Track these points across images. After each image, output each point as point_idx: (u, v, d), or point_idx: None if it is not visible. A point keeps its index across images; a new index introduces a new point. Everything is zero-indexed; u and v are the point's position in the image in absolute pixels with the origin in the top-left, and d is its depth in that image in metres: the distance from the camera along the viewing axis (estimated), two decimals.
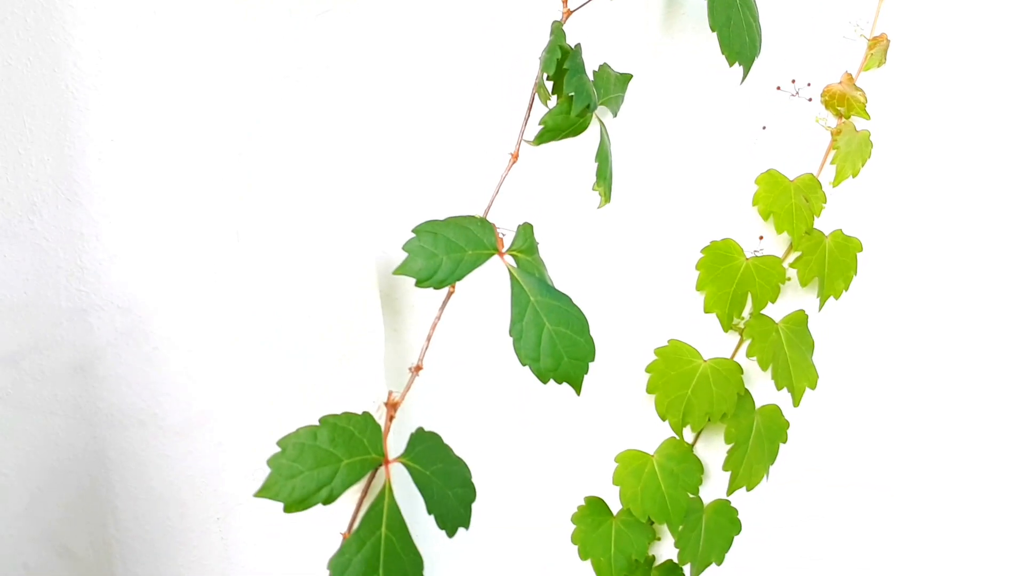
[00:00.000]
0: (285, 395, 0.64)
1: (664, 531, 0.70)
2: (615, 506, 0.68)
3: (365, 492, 0.52)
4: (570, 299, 0.54)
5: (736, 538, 0.69)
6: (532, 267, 0.55)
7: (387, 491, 0.49)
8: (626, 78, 0.62)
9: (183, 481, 0.64)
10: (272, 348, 0.62)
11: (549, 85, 0.55)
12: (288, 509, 0.46)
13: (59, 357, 0.62)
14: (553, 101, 0.55)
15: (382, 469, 0.51)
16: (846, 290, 0.65)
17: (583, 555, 0.67)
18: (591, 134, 0.57)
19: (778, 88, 0.64)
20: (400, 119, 0.62)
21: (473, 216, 0.54)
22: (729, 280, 0.64)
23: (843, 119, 0.64)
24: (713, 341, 0.67)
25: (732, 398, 0.64)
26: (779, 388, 0.63)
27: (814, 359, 0.66)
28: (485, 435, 0.61)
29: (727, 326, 0.64)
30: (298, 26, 0.61)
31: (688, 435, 0.67)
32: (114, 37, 0.56)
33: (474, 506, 0.54)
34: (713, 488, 0.69)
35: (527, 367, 0.53)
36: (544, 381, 0.53)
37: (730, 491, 0.66)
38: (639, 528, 0.67)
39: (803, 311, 0.66)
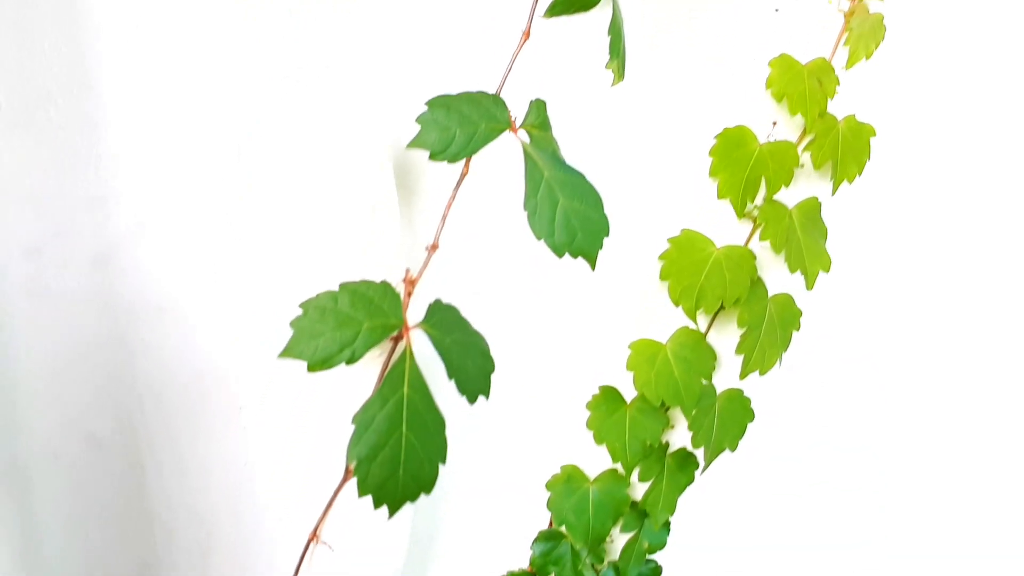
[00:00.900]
0: (304, 286, 0.65)
1: (678, 420, 0.71)
2: (628, 396, 0.69)
3: (387, 363, 0.53)
4: (583, 175, 0.54)
5: (750, 426, 0.70)
6: (545, 143, 0.55)
7: (408, 354, 0.50)
8: None
9: (206, 371, 0.65)
10: (290, 238, 0.63)
11: None
12: (312, 368, 0.47)
13: (78, 247, 0.62)
14: None
15: (401, 342, 0.52)
16: (859, 175, 0.65)
17: (598, 440, 0.68)
18: (603, 9, 0.56)
19: None
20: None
21: (485, 92, 0.54)
22: (743, 165, 0.64)
23: (856, 0, 0.63)
24: (726, 231, 0.67)
25: (745, 283, 0.64)
26: (792, 271, 0.64)
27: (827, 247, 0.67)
28: (500, 314, 0.61)
29: (740, 212, 0.64)
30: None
31: (701, 324, 0.68)
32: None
33: (493, 377, 0.55)
34: (726, 378, 0.70)
35: (542, 242, 0.53)
36: (559, 255, 0.54)
37: (743, 375, 0.66)
38: (653, 414, 0.68)
39: (816, 198, 0.66)
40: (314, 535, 0.58)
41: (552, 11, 0.54)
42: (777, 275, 0.68)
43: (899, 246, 0.70)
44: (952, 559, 0.73)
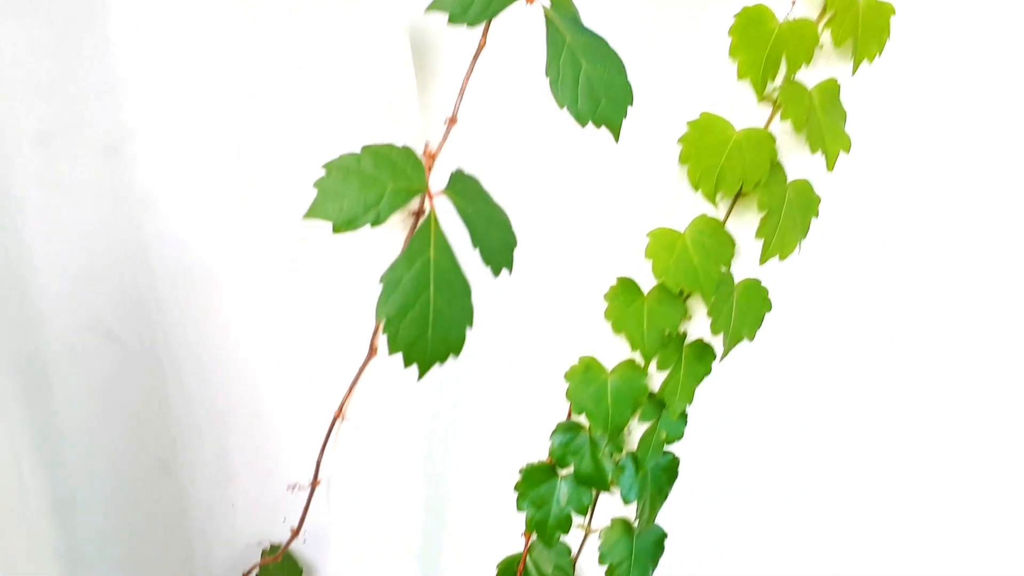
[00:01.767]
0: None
1: (695, 311, 0.71)
2: (646, 288, 0.69)
3: (412, 231, 0.52)
4: (606, 40, 0.53)
5: (767, 316, 0.70)
6: (565, 7, 0.54)
7: (432, 219, 0.49)
8: None
9: (223, 264, 0.65)
10: (308, 119, 0.62)
11: None
12: (337, 230, 0.47)
13: (90, 137, 0.61)
14: None
15: (425, 207, 0.51)
16: (879, 54, 0.64)
17: (616, 330, 0.68)
18: None
19: None
20: None
21: None
22: (762, 44, 0.63)
23: None
24: (745, 115, 0.66)
25: (765, 165, 0.64)
26: (813, 151, 0.63)
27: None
28: (520, 191, 0.61)
29: (761, 93, 0.64)
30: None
31: (720, 211, 0.67)
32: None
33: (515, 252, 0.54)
34: (745, 268, 0.70)
35: (564, 112, 0.52)
36: (583, 124, 0.53)
37: (763, 259, 0.66)
38: (671, 304, 0.68)
39: (835, 79, 0.65)
40: (339, 413, 0.58)
41: None
42: (796, 163, 0.68)
43: (916, 133, 0.70)
44: (966, 435, 0.74)
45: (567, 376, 0.70)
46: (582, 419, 0.71)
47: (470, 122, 0.55)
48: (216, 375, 0.66)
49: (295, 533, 0.66)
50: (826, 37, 0.64)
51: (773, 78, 0.63)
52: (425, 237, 0.48)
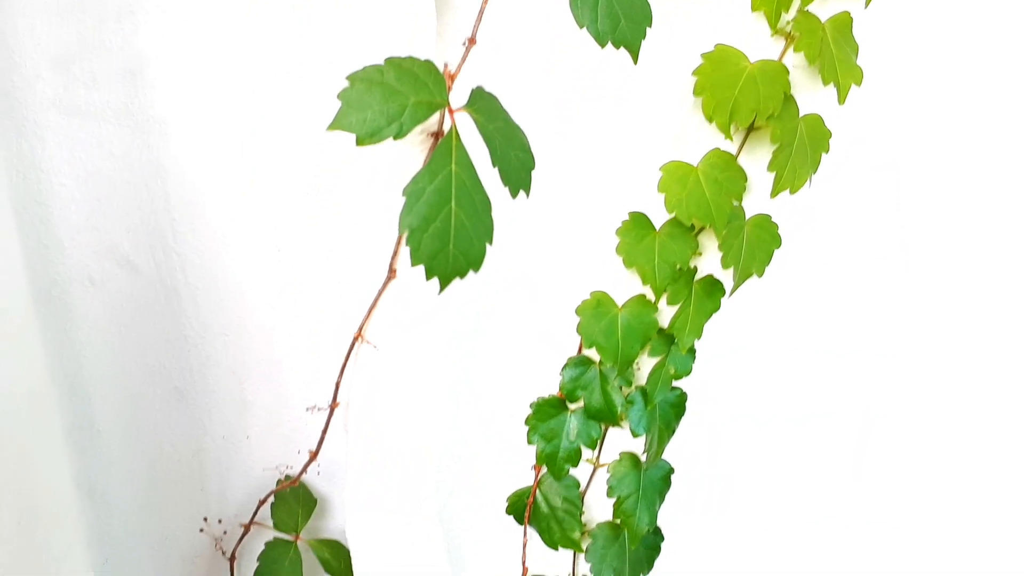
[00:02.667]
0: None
1: (706, 247, 0.72)
2: (657, 223, 0.69)
3: (433, 146, 0.53)
4: None
5: (776, 252, 0.71)
6: None
7: (454, 133, 0.50)
8: None
9: (240, 190, 0.65)
10: (326, 40, 0.62)
11: None
12: (360, 142, 0.47)
13: (108, 61, 0.62)
14: None
15: (445, 132, 0.51)
16: None
17: (628, 264, 0.69)
18: None
19: None
20: None
21: None
22: None
23: None
24: (759, 48, 0.67)
25: (779, 97, 0.64)
26: (826, 83, 0.64)
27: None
28: (534, 121, 0.61)
29: (774, 25, 0.64)
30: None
31: (732, 146, 0.68)
32: None
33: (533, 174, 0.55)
34: (756, 204, 0.70)
35: (584, 31, 0.53)
36: (602, 45, 0.54)
37: (774, 192, 0.67)
38: (682, 239, 0.69)
39: (848, 12, 0.66)
40: (359, 335, 0.59)
41: None
42: (807, 99, 0.68)
43: (926, 66, 0.70)
44: (976, 357, 0.75)
45: (578, 310, 0.71)
46: (592, 353, 0.72)
47: (488, 44, 0.55)
48: (233, 303, 0.67)
49: (312, 456, 0.67)
50: None
51: (787, 10, 0.64)
52: (447, 151, 0.49)
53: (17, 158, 0.62)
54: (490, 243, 0.51)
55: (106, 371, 0.68)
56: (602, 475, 0.77)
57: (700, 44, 0.66)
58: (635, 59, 0.54)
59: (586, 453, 0.75)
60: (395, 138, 0.48)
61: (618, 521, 0.76)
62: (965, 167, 0.71)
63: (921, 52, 0.70)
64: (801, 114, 0.68)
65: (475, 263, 0.50)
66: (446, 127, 0.49)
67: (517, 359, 0.73)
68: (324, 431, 0.65)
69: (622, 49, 0.54)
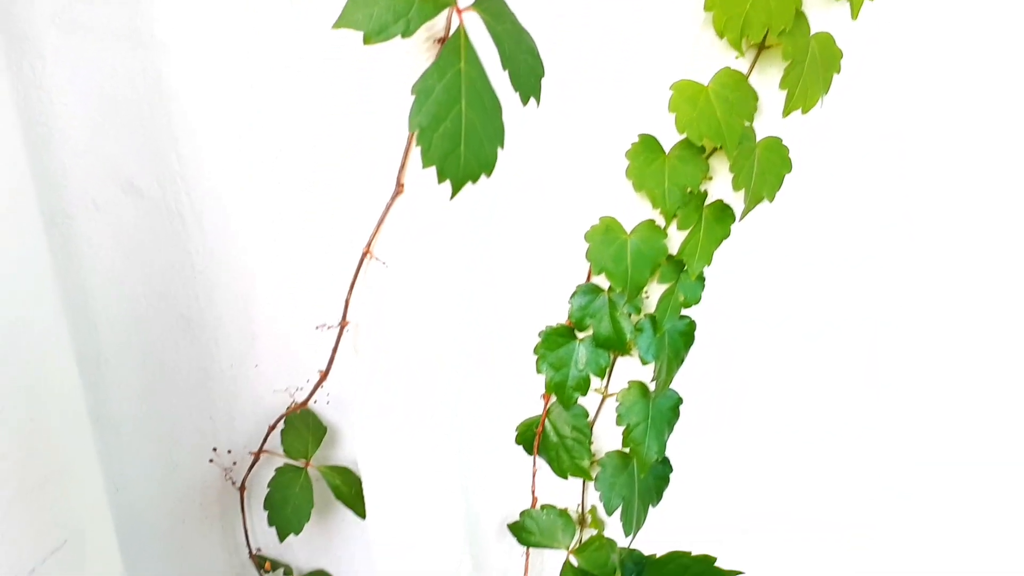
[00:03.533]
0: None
1: (716, 171, 0.71)
2: (667, 145, 0.69)
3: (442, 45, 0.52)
4: None
5: (787, 177, 0.70)
6: None
7: (461, 31, 0.49)
8: None
9: (245, 110, 0.64)
10: None
11: None
12: (367, 40, 0.46)
13: None
14: None
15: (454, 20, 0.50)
16: None
17: (638, 187, 0.68)
18: None
19: None
20: None
21: None
22: None
23: None
24: None
25: (790, 12, 0.63)
26: None
27: None
28: (545, 20, 0.60)
29: None
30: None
31: (743, 64, 0.67)
32: None
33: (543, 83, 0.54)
34: (766, 126, 0.69)
35: None
36: None
37: (786, 111, 0.66)
38: (693, 161, 0.68)
39: None
40: (367, 251, 0.58)
41: None
42: (819, 16, 0.67)
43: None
44: (990, 267, 0.74)
45: (587, 236, 0.70)
46: (601, 281, 0.72)
47: None
48: (239, 227, 0.66)
49: (323, 376, 0.66)
50: None
51: None
52: (455, 49, 0.48)
53: (17, 78, 0.61)
54: (501, 147, 0.50)
55: (112, 299, 0.68)
56: (611, 405, 0.77)
57: None
58: None
59: (595, 382, 0.75)
60: (403, 36, 0.47)
61: (627, 450, 0.76)
62: (980, 84, 0.70)
63: None
64: (812, 32, 0.67)
65: (487, 167, 0.49)
66: (453, 31, 0.48)
67: (525, 288, 0.72)
68: (334, 351, 0.65)
69: None
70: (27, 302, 0.60)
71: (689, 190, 0.68)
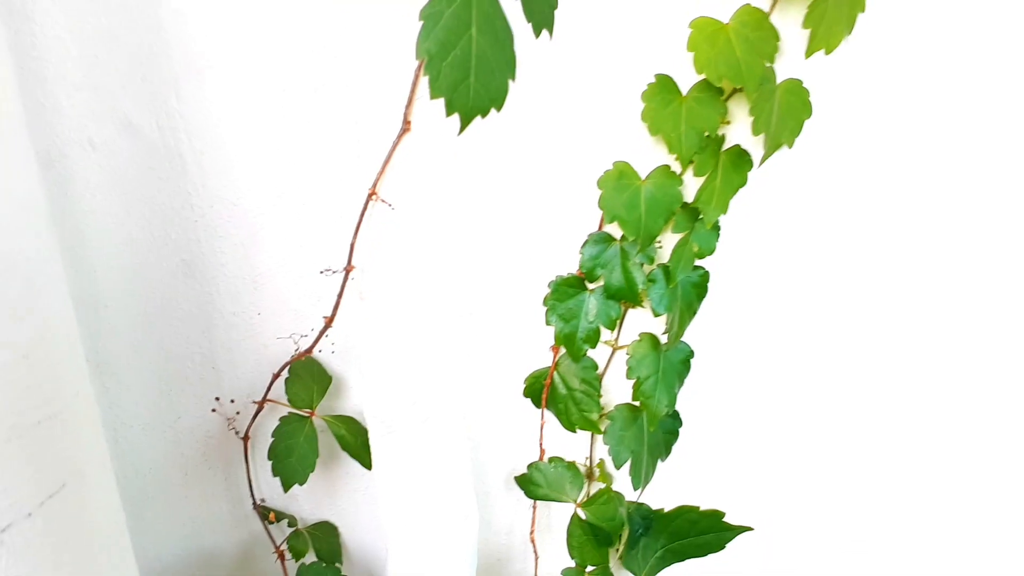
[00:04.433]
0: None
1: (734, 115, 0.68)
2: (684, 86, 0.66)
3: None
4: None
5: (807, 123, 0.67)
6: None
7: None
8: None
9: (247, 42, 0.62)
10: None
11: None
12: None
13: None
14: None
15: None
16: None
17: (653, 131, 0.66)
18: None
19: None
20: None
21: None
22: None
23: None
24: None
25: None
26: None
27: None
28: None
29: None
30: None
31: (764, 3, 0.64)
32: None
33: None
34: (787, 68, 0.67)
35: None
36: None
37: (809, 52, 0.63)
38: (711, 103, 0.66)
39: None
40: (372, 191, 0.56)
41: None
42: None
43: None
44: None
45: (600, 183, 0.68)
46: (613, 229, 0.70)
47: None
48: (241, 169, 0.64)
49: (328, 322, 0.65)
50: None
51: None
52: None
53: (7, 9, 0.58)
54: (513, 78, 0.47)
55: (110, 243, 0.66)
56: (621, 357, 0.76)
57: None
58: None
59: (605, 334, 0.73)
60: None
61: (637, 403, 0.75)
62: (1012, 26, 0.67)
63: None
64: None
65: (497, 99, 0.47)
66: None
67: (535, 236, 0.70)
68: (339, 297, 0.63)
69: None
70: (20, 240, 0.58)
71: (706, 134, 0.66)
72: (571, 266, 0.71)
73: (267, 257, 0.67)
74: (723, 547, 0.79)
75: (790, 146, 0.68)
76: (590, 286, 0.72)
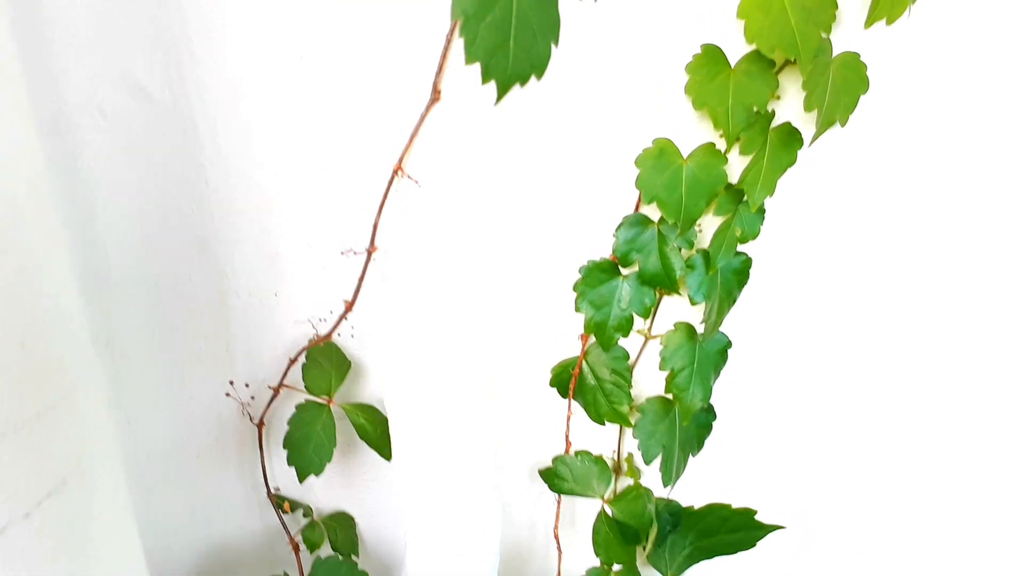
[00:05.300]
0: None
1: (785, 89, 0.64)
2: (733, 58, 0.61)
3: None
4: None
5: (862, 98, 0.63)
6: None
7: None
8: None
9: (263, 18, 0.58)
10: None
11: None
12: None
13: None
14: None
15: None
16: None
17: (698, 105, 0.61)
18: None
19: None
20: None
21: None
22: None
23: None
24: None
25: None
26: None
27: None
28: None
29: None
30: None
31: None
32: None
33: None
34: (844, 39, 0.62)
35: None
36: None
37: (869, 22, 0.59)
38: (761, 77, 0.61)
39: None
40: (398, 167, 0.53)
41: None
42: None
43: None
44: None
45: (638, 161, 0.64)
46: (651, 211, 0.66)
47: None
48: (258, 139, 0.60)
49: (349, 306, 0.61)
50: None
51: None
52: None
53: None
54: (555, 43, 0.43)
55: (120, 216, 0.63)
56: (654, 347, 0.72)
57: None
58: None
59: (638, 323, 0.69)
60: None
61: (670, 396, 0.71)
62: None
63: None
64: None
65: (539, 66, 0.43)
66: None
67: (567, 218, 0.66)
68: (360, 279, 0.60)
69: None
70: (20, 214, 0.55)
71: (756, 109, 0.61)
72: (604, 250, 0.67)
73: (285, 234, 0.63)
74: (754, 545, 0.75)
75: (843, 124, 0.63)
76: (624, 271, 0.68)
